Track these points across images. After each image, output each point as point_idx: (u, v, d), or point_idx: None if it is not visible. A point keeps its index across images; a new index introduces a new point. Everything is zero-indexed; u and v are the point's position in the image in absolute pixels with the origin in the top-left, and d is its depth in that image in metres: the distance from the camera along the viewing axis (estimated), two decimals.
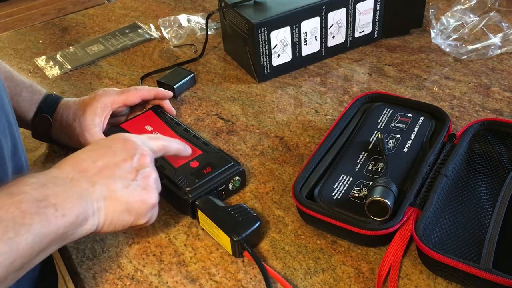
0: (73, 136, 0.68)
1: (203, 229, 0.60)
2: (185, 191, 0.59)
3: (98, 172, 0.50)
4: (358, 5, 0.85)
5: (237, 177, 0.62)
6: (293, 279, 0.53)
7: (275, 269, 0.54)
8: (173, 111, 0.74)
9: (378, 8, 0.87)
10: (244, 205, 0.57)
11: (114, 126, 0.72)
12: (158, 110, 0.73)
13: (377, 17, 0.88)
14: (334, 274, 0.53)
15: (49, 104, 0.70)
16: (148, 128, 0.70)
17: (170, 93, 0.75)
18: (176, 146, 0.60)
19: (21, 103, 0.69)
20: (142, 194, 0.52)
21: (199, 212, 0.58)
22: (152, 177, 0.53)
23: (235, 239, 0.54)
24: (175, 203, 0.62)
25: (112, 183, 0.50)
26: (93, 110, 0.68)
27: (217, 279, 0.54)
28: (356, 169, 0.61)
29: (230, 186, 0.62)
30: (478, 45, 0.85)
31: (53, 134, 0.71)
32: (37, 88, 0.72)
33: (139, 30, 1.01)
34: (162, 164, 0.63)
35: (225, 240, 0.55)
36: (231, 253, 0.56)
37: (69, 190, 0.47)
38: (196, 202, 0.58)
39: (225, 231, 0.55)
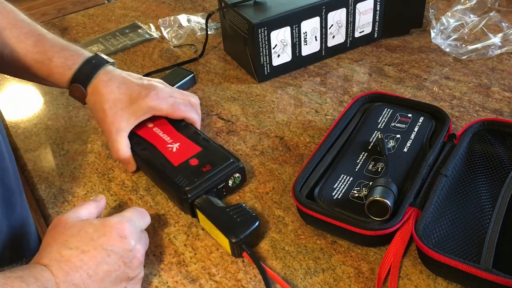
0: (101, 120, 0.65)
1: (203, 229, 0.60)
2: (184, 190, 0.59)
3: (89, 285, 0.47)
4: (358, 5, 0.85)
5: (237, 174, 0.62)
6: (293, 279, 0.53)
7: (274, 269, 0.54)
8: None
9: (378, 8, 0.87)
10: (243, 205, 0.57)
11: None
12: None
13: (377, 17, 0.88)
14: (334, 274, 0.53)
15: (86, 74, 0.65)
16: (149, 125, 0.68)
17: (199, 124, 0.70)
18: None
19: (54, 69, 0.65)
20: None
21: (198, 212, 0.58)
22: (140, 279, 0.52)
23: (233, 241, 0.54)
24: (175, 202, 0.62)
25: None
26: (136, 111, 0.65)
27: (217, 279, 0.54)
28: (356, 169, 0.61)
29: (230, 183, 0.61)
30: (478, 45, 0.85)
31: (89, 102, 0.67)
32: (72, 51, 0.66)
33: (139, 30, 1.01)
34: (163, 162, 0.62)
35: (224, 241, 0.55)
36: (230, 254, 0.56)
37: None
38: (195, 202, 0.58)
39: (223, 232, 0.54)
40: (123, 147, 0.65)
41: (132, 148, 0.66)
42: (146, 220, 0.55)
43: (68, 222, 0.50)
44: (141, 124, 0.67)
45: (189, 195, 0.58)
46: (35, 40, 0.66)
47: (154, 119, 0.68)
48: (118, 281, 0.49)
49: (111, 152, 0.66)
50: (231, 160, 0.62)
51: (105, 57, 0.67)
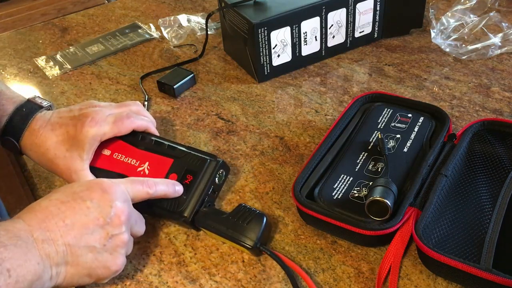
0: (55, 171, 0.61)
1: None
2: (179, 212, 0.56)
3: (65, 233, 0.47)
4: (358, 5, 0.85)
5: (221, 170, 0.60)
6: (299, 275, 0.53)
7: (274, 274, 0.54)
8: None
9: (378, 8, 0.87)
10: (243, 205, 0.57)
11: None
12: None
13: (377, 17, 0.88)
14: (334, 274, 0.53)
15: (17, 126, 0.60)
16: (106, 152, 0.62)
17: (156, 132, 0.65)
18: (163, 189, 0.56)
19: None
20: (107, 260, 0.49)
21: (204, 230, 0.57)
22: (123, 241, 0.50)
23: (250, 247, 0.53)
24: (178, 224, 0.60)
25: (77, 248, 0.47)
26: (80, 146, 0.59)
27: (217, 279, 0.54)
28: (356, 169, 0.61)
29: (217, 180, 0.59)
30: (478, 45, 0.85)
31: (27, 155, 0.62)
32: (5, 100, 0.61)
33: (139, 30, 1.01)
34: None
35: (240, 247, 0.55)
36: (249, 254, 0.56)
37: (29, 253, 0.44)
38: (196, 220, 0.57)
39: (237, 243, 0.54)
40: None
41: None
42: (141, 189, 0.54)
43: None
44: (98, 156, 0.62)
45: (186, 215, 0.56)
46: None
47: (107, 144, 0.62)
48: (96, 236, 0.48)
49: None
50: (208, 160, 0.59)
51: (39, 101, 0.63)
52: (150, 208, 0.58)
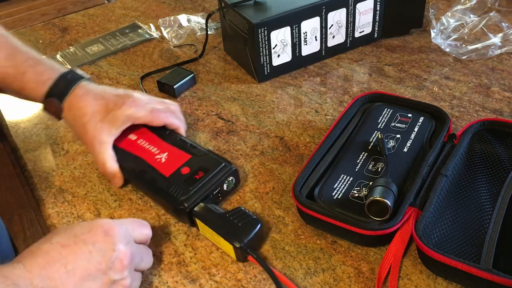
0: (82, 136, 0.64)
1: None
2: (180, 201, 0.57)
3: (67, 280, 0.45)
4: (358, 5, 0.85)
5: (231, 177, 0.61)
6: (293, 279, 0.53)
7: (276, 269, 0.54)
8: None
9: (378, 8, 0.87)
10: (243, 208, 0.57)
11: None
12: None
13: (377, 17, 0.88)
14: (334, 274, 0.53)
15: (62, 89, 0.64)
16: (132, 137, 0.66)
17: (184, 130, 0.69)
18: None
19: (27, 84, 0.64)
20: None
21: (198, 221, 0.57)
22: (125, 285, 0.49)
23: (237, 246, 0.53)
24: (172, 213, 0.61)
25: None
26: (114, 120, 0.63)
27: (217, 279, 0.54)
28: (356, 169, 0.61)
29: (225, 187, 0.61)
30: (478, 45, 0.85)
31: (64, 118, 0.65)
32: (47, 66, 0.65)
33: (139, 30, 1.01)
34: (153, 175, 0.61)
35: (228, 247, 0.55)
36: (235, 259, 0.55)
37: None
38: (193, 211, 0.57)
39: (226, 239, 0.54)
40: (109, 160, 0.63)
41: (119, 164, 0.64)
42: (144, 232, 0.54)
43: (60, 227, 0.50)
44: (124, 138, 0.66)
45: (186, 205, 0.57)
46: (8, 54, 0.65)
47: (136, 131, 0.67)
48: (98, 282, 0.46)
49: (97, 167, 0.65)
50: (223, 164, 0.61)
51: (80, 72, 0.67)
52: (153, 190, 0.60)
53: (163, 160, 0.62)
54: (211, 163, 0.61)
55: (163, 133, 0.66)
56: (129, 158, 0.64)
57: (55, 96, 0.64)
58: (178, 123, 0.67)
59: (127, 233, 0.50)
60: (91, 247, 0.47)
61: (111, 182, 0.66)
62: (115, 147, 0.64)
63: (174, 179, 0.60)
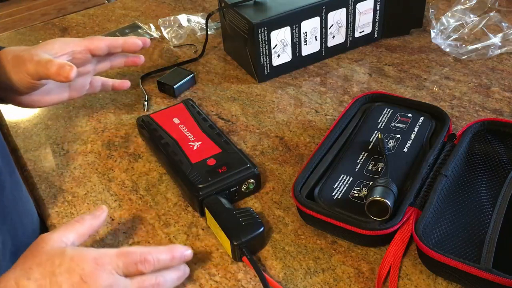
0: (20, 70, 0.59)
1: (203, 229, 0.60)
2: (197, 188, 0.59)
3: None
4: (358, 5, 0.85)
5: (252, 180, 0.62)
6: (293, 279, 0.53)
7: (274, 274, 0.54)
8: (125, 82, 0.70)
9: (378, 8, 0.87)
10: (251, 210, 0.57)
11: (144, 116, 0.72)
12: (189, 104, 0.74)
13: (377, 17, 0.88)
14: (334, 274, 0.53)
15: None
16: (176, 120, 0.71)
17: (139, 43, 0.65)
18: (164, 258, 0.50)
19: None
20: None
21: (206, 211, 0.58)
22: None
23: (234, 243, 0.54)
24: (186, 198, 0.63)
25: None
26: (49, 47, 0.59)
27: (217, 279, 0.54)
28: (356, 169, 0.61)
29: (244, 188, 0.62)
30: (478, 45, 0.85)
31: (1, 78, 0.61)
32: None
33: (139, 30, 1.01)
34: (181, 158, 0.63)
35: (226, 242, 0.55)
36: (231, 256, 0.56)
37: None
38: (205, 201, 0.59)
39: (226, 233, 0.54)
40: (47, 56, 0.58)
41: (154, 140, 0.68)
42: (138, 267, 0.48)
43: (46, 245, 0.47)
44: (168, 120, 0.71)
45: (201, 193, 0.59)
46: None
47: (181, 116, 0.72)
48: None
49: (45, 73, 0.58)
50: (248, 165, 0.62)
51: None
52: (176, 171, 0.63)
53: (195, 147, 0.66)
54: (237, 161, 0.63)
55: (205, 124, 0.70)
56: (165, 137, 0.68)
57: None
58: (121, 39, 0.64)
59: (109, 276, 0.46)
60: (60, 278, 0.44)
61: (64, 73, 0.57)
62: (157, 124, 0.70)
63: (198, 167, 0.62)
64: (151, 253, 0.48)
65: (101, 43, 0.63)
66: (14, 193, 0.59)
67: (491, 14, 0.88)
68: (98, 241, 0.59)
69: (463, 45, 0.86)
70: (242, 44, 0.82)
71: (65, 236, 0.49)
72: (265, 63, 0.82)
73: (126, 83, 0.73)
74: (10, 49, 0.62)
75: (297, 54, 0.84)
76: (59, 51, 0.61)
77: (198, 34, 0.98)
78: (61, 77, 0.57)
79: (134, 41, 0.65)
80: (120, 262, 0.47)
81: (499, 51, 0.85)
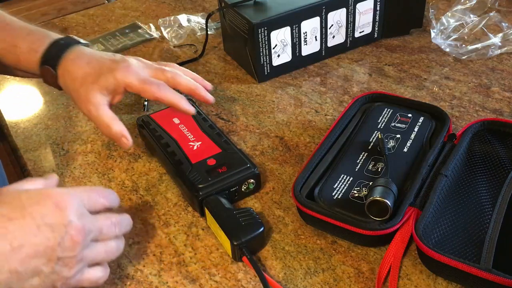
0: (77, 101, 0.60)
1: (203, 229, 0.60)
2: (197, 188, 0.59)
3: (12, 258, 0.41)
4: (358, 5, 0.85)
5: (252, 180, 0.62)
6: (293, 279, 0.53)
7: (274, 274, 0.54)
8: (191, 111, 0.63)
9: (378, 8, 0.87)
10: (251, 210, 0.57)
11: (144, 116, 0.72)
12: (189, 103, 0.74)
13: (377, 17, 0.88)
14: (334, 274, 0.53)
15: (54, 55, 0.61)
16: (176, 120, 0.70)
17: (191, 110, 0.63)
18: (114, 198, 0.52)
19: (20, 56, 0.61)
20: (56, 280, 0.44)
21: (206, 211, 0.58)
22: (76, 262, 0.45)
23: (234, 243, 0.54)
24: (186, 198, 0.63)
25: (24, 274, 0.42)
26: (106, 83, 0.59)
27: (217, 279, 0.54)
28: (356, 169, 0.61)
29: (244, 188, 0.62)
30: (478, 45, 0.85)
31: (62, 85, 0.62)
32: (39, 35, 0.62)
33: (139, 30, 1.01)
34: (181, 158, 0.63)
35: (226, 242, 0.55)
36: (231, 256, 0.56)
37: None
38: (205, 201, 0.59)
39: (226, 233, 0.54)
40: (112, 121, 0.59)
41: (154, 140, 0.67)
42: (100, 201, 0.49)
43: (6, 191, 0.45)
44: (168, 119, 0.70)
45: (201, 193, 0.59)
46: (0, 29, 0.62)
47: (181, 117, 0.71)
48: (44, 259, 0.43)
49: (102, 133, 0.61)
50: (248, 165, 0.62)
51: (77, 38, 0.63)
52: (176, 172, 0.63)
53: (195, 147, 0.65)
54: (237, 161, 0.63)
55: (205, 124, 0.70)
56: (165, 137, 0.67)
57: (48, 63, 0.61)
58: (173, 99, 0.61)
59: (80, 204, 0.46)
60: (39, 221, 0.42)
61: (120, 145, 0.60)
62: (157, 124, 0.69)
63: (198, 167, 0.62)
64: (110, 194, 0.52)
65: (151, 97, 0.60)
66: None
67: (491, 14, 0.88)
68: None
69: (463, 45, 0.86)
70: (242, 44, 0.82)
71: (23, 185, 0.48)
72: (265, 63, 0.82)
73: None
74: (88, 59, 0.61)
75: (297, 54, 0.84)
76: (112, 92, 0.60)
77: (198, 34, 0.98)
78: (117, 142, 0.61)
79: (184, 108, 0.62)
80: (85, 196, 0.48)
81: (499, 51, 0.85)
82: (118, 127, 0.59)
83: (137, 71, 0.60)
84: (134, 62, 0.62)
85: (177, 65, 0.68)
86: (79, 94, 0.60)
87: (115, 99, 0.61)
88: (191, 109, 0.63)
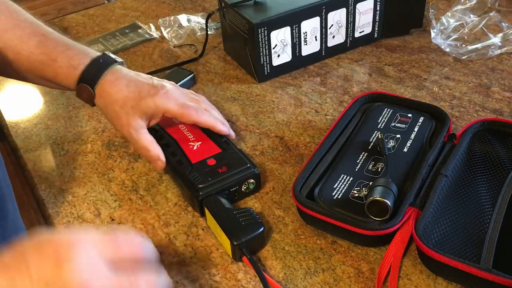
0: (115, 122, 0.64)
1: (203, 229, 0.60)
2: (197, 188, 0.59)
3: None
4: (358, 5, 0.85)
5: (252, 180, 0.62)
6: (293, 279, 0.53)
7: (274, 274, 0.54)
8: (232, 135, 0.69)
9: (378, 8, 0.87)
10: (251, 210, 0.57)
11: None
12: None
13: (377, 17, 0.88)
14: (334, 274, 0.53)
15: (93, 74, 0.63)
16: (176, 120, 0.70)
17: (226, 132, 0.67)
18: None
19: (59, 70, 0.63)
20: None
21: (206, 211, 0.58)
22: None
23: (234, 243, 0.54)
24: (186, 198, 0.63)
25: None
26: (146, 108, 0.62)
27: (217, 279, 0.54)
28: (356, 169, 0.61)
29: (244, 188, 0.62)
30: (478, 45, 0.85)
31: (96, 104, 0.65)
32: (78, 51, 0.64)
33: (139, 30, 1.01)
34: (181, 158, 0.63)
35: (226, 242, 0.55)
36: (231, 256, 0.56)
37: None
38: (205, 201, 0.59)
39: (226, 233, 0.55)
40: (151, 145, 0.63)
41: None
42: (124, 251, 0.40)
43: (36, 235, 0.39)
44: (168, 120, 0.69)
45: (201, 193, 0.59)
46: (38, 41, 0.63)
47: None
48: None
49: (140, 154, 0.66)
50: (248, 165, 0.62)
51: (113, 56, 0.66)
52: (176, 172, 0.63)
53: (195, 148, 0.66)
54: (237, 161, 0.63)
55: None
56: (165, 138, 0.67)
57: (87, 82, 0.63)
58: (210, 122, 0.66)
59: (91, 257, 0.37)
60: (34, 275, 0.35)
61: (155, 165, 0.65)
62: (157, 125, 0.69)
63: (198, 167, 0.62)
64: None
65: (189, 122, 0.65)
66: (15, 222, 0.59)
67: (491, 14, 0.88)
68: None
69: (463, 45, 0.86)
70: (242, 44, 0.82)
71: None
72: (265, 63, 0.82)
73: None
74: (126, 81, 0.63)
75: (297, 54, 0.84)
76: (150, 117, 0.64)
77: (198, 34, 0.98)
78: (152, 163, 0.65)
79: (220, 130, 0.67)
80: (102, 247, 0.39)
81: (499, 51, 0.85)
82: (155, 150, 0.63)
83: (176, 97, 0.64)
84: (171, 87, 0.65)
85: (205, 100, 0.70)
86: (119, 116, 0.63)
87: (152, 122, 0.65)
88: (226, 131, 0.67)
